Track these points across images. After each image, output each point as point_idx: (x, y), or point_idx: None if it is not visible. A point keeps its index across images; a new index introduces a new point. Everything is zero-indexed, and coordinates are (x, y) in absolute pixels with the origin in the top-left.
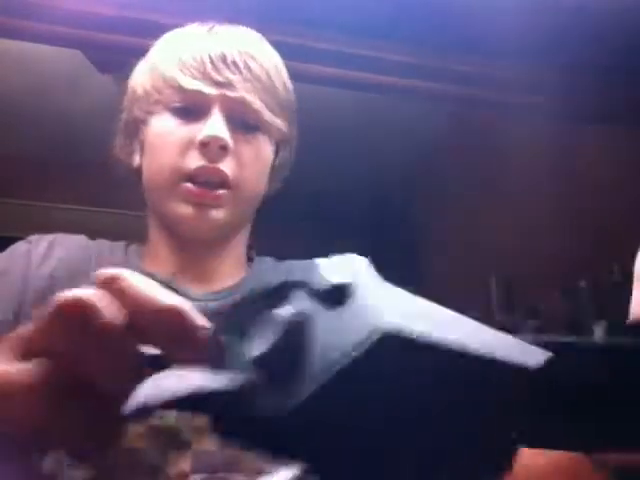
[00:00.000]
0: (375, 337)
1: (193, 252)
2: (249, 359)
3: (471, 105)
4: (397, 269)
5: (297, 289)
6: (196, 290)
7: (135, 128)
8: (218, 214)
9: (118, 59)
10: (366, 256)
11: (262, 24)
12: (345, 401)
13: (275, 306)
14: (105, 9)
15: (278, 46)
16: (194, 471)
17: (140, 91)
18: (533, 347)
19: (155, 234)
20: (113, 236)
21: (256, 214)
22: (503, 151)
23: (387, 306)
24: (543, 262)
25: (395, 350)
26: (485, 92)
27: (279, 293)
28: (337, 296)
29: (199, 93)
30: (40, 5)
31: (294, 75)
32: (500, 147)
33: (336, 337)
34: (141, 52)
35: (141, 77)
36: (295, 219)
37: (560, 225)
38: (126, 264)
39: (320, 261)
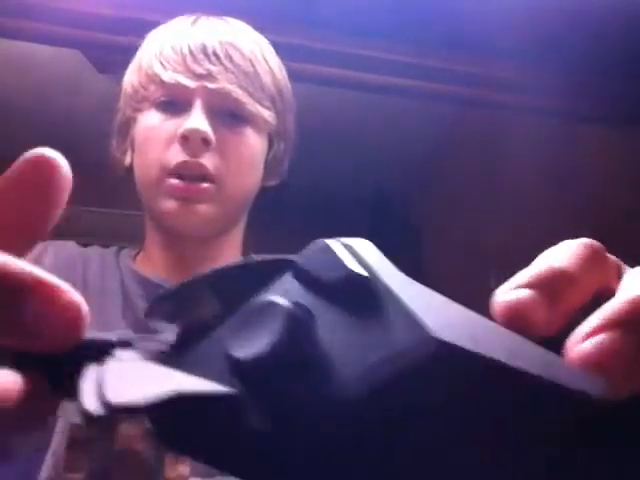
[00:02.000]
0: (431, 346)
1: (186, 251)
2: (229, 358)
3: (471, 105)
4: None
5: (288, 273)
6: None
7: (127, 127)
8: (203, 209)
9: (118, 59)
10: None
11: (262, 24)
12: (379, 420)
13: (256, 291)
14: (105, 9)
15: (278, 46)
16: (193, 474)
17: (129, 90)
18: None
19: (150, 234)
20: (113, 236)
21: (254, 212)
22: (503, 151)
23: (425, 311)
24: None
25: (454, 365)
26: (485, 92)
27: (264, 273)
28: (351, 292)
29: (180, 86)
30: (40, 5)
31: (294, 75)
32: (500, 147)
33: (361, 346)
34: None
35: (130, 76)
36: (295, 218)
37: (559, 224)
38: (117, 267)
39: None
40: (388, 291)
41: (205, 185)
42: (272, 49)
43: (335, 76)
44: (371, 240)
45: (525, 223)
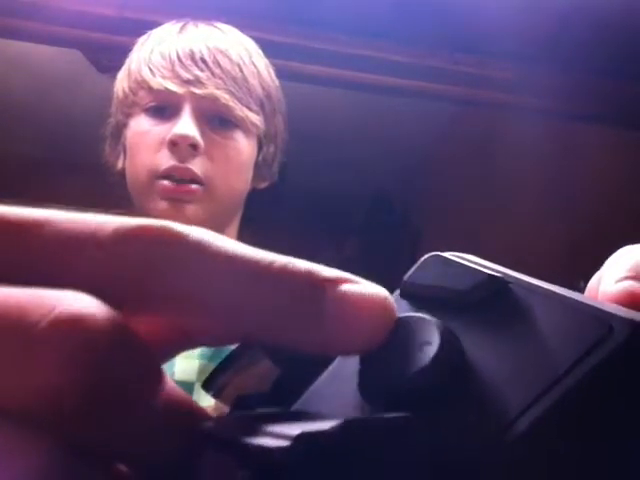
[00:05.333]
0: (622, 332)
1: None
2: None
3: (471, 106)
4: (396, 269)
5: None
6: None
7: (118, 132)
8: (192, 210)
9: (118, 59)
10: (366, 256)
11: (263, 25)
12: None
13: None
14: (105, 9)
15: (279, 46)
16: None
17: (120, 95)
18: None
19: None
20: None
21: (252, 212)
22: (503, 152)
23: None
24: (542, 262)
25: None
26: (485, 92)
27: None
28: (490, 301)
29: (168, 92)
30: (40, 5)
31: (294, 75)
32: (500, 148)
33: (517, 370)
34: None
35: (120, 81)
36: (294, 218)
37: (559, 225)
38: None
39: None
40: (538, 291)
41: (194, 186)
42: (260, 52)
43: (335, 76)
44: (370, 240)
45: (525, 223)
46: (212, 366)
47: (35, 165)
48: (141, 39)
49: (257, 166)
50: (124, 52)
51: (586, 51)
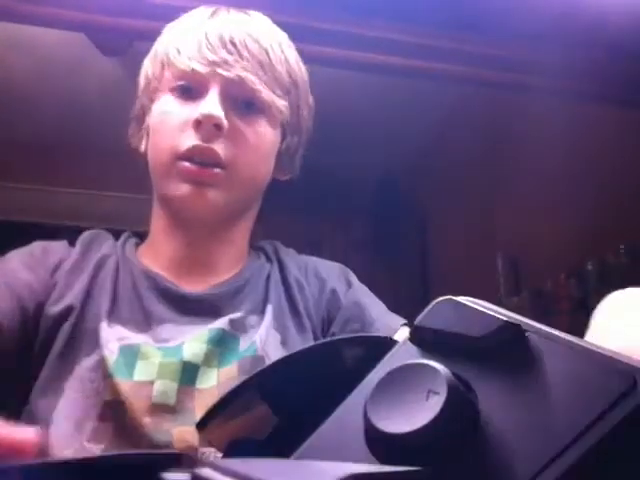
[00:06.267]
0: None
1: (193, 236)
2: (376, 432)
3: (480, 86)
4: (403, 252)
5: (403, 341)
6: (193, 285)
7: (142, 115)
8: (215, 194)
9: (122, 42)
10: (373, 239)
11: (272, 6)
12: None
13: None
14: None
15: (288, 28)
16: (202, 445)
17: (145, 79)
18: None
19: (156, 219)
20: (116, 219)
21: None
22: (511, 134)
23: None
24: (549, 244)
25: None
26: (494, 73)
27: (308, 363)
28: (506, 347)
29: (194, 72)
30: None
31: (302, 57)
32: (508, 130)
33: (534, 422)
34: (145, 35)
35: (146, 65)
36: (300, 201)
37: (566, 207)
38: (125, 261)
39: (316, 260)
40: (556, 340)
41: (216, 170)
42: (291, 44)
43: (344, 57)
44: (377, 223)
45: (532, 205)
46: (217, 351)
47: (40, 149)
48: (170, 24)
49: (279, 156)
50: (129, 36)
51: (597, 31)
